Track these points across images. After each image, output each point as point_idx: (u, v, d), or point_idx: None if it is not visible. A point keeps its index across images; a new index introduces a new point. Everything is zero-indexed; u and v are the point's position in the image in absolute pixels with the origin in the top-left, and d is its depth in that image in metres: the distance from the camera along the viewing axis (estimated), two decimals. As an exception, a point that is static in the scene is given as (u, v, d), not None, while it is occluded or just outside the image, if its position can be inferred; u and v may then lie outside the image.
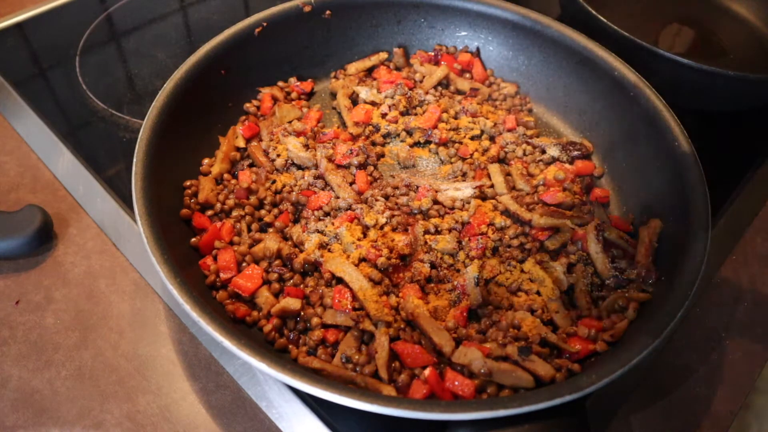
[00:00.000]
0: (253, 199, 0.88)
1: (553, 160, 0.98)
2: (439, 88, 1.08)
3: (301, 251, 0.83)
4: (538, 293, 0.81)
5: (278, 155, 0.94)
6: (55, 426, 0.72)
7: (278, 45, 1.05)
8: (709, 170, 0.82)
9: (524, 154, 0.98)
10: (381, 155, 0.98)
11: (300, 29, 1.07)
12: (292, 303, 0.76)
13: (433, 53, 1.13)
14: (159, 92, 0.87)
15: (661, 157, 0.88)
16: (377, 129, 1.01)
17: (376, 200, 0.88)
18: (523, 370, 0.69)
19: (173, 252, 0.72)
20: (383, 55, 1.13)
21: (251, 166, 0.95)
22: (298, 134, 0.97)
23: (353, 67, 1.11)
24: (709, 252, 0.74)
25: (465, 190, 0.91)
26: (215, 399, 0.76)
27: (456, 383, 0.69)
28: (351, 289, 0.77)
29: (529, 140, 1.00)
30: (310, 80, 1.10)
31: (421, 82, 1.09)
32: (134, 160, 0.79)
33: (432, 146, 1.00)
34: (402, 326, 0.75)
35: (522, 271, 0.83)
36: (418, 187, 0.93)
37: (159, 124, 0.84)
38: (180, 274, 0.68)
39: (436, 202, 0.90)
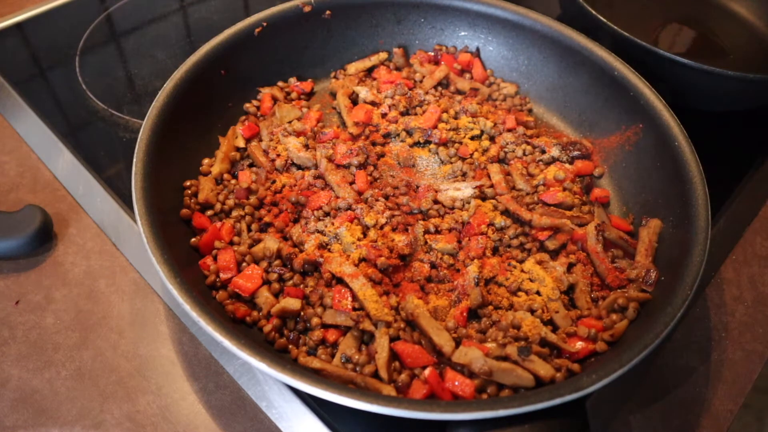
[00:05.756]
0: (253, 199, 0.88)
1: (553, 160, 0.98)
2: (439, 88, 1.08)
3: (301, 251, 0.83)
4: (538, 293, 0.81)
5: (278, 155, 0.95)
6: (55, 426, 0.73)
7: (278, 45, 1.05)
8: (709, 170, 0.82)
9: (524, 154, 0.98)
10: (381, 155, 0.98)
11: (300, 29, 1.07)
12: (292, 303, 0.76)
13: (433, 53, 1.13)
14: (159, 92, 0.87)
15: (661, 157, 0.88)
16: (377, 129, 1.01)
17: (376, 200, 0.88)
18: (523, 369, 0.69)
19: (173, 252, 0.72)
20: (383, 55, 1.13)
21: (251, 166, 0.95)
22: (298, 134, 0.97)
23: (353, 67, 1.11)
24: (709, 252, 0.74)
25: (465, 190, 0.91)
26: (215, 399, 0.76)
27: (456, 383, 0.69)
28: (351, 289, 0.77)
29: (529, 140, 1.00)
30: (310, 80, 1.10)
31: (421, 82, 1.09)
32: (134, 160, 0.79)
33: (432, 146, 1.00)
34: (402, 326, 0.75)
35: (522, 271, 0.83)
36: (418, 187, 0.93)
37: (159, 124, 0.84)
38: (180, 274, 0.68)
39: (436, 202, 0.90)
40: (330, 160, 0.93)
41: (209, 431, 0.73)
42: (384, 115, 1.03)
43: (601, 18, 1.04)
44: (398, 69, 1.12)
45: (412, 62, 1.12)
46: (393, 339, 0.74)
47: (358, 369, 0.72)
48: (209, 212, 0.87)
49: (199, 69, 0.93)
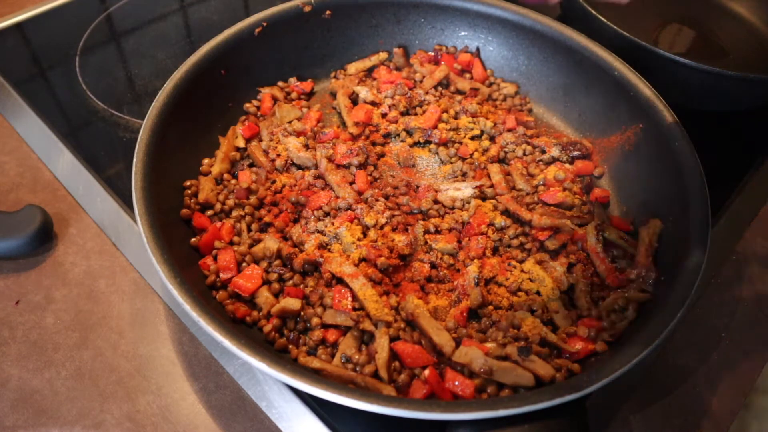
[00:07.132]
0: (253, 199, 0.88)
1: (553, 160, 0.98)
2: (439, 88, 1.08)
3: (301, 251, 0.83)
4: (538, 293, 0.81)
5: (278, 155, 0.95)
6: (55, 426, 0.73)
7: (278, 45, 1.05)
8: (709, 170, 0.82)
9: (524, 154, 0.98)
10: (381, 155, 0.98)
11: (300, 29, 1.07)
12: (292, 303, 0.76)
13: (433, 53, 1.13)
14: (159, 92, 0.87)
15: (661, 157, 0.88)
16: (377, 129, 1.01)
17: (376, 200, 0.88)
18: (523, 368, 0.69)
19: (173, 252, 0.72)
20: (383, 55, 1.13)
21: (251, 166, 0.95)
22: (298, 134, 0.97)
23: (353, 67, 1.11)
24: (709, 252, 0.74)
25: (465, 190, 0.91)
26: (215, 399, 0.76)
27: (456, 383, 0.69)
28: (351, 289, 0.77)
29: (529, 140, 1.00)
30: (310, 80, 1.10)
31: (421, 82, 1.09)
32: (134, 160, 0.79)
33: (432, 146, 1.00)
34: (402, 326, 0.75)
35: (522, 271, 0.83)
36: (418, 187, 0.93)
37: (159, 124, 0.84)
38: (180, 274, 0.68)
39: (436, 202, 0.90)
40: (330, 160, 0.93)
41: (209, 431, 0.73)
42: (384, 115, 1.03)
43: (601, 18, 1.05)
44: (398, 69, 1.12)
45: (412, 62, 1.12)
46: (393, 339, 0.74)
47: (358, 369, 0.72)
48: (209, 212, 0.87)
49: (199, 69, 0.93)
